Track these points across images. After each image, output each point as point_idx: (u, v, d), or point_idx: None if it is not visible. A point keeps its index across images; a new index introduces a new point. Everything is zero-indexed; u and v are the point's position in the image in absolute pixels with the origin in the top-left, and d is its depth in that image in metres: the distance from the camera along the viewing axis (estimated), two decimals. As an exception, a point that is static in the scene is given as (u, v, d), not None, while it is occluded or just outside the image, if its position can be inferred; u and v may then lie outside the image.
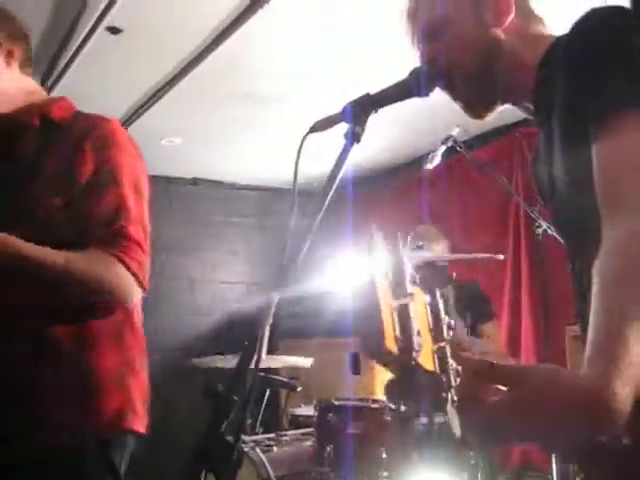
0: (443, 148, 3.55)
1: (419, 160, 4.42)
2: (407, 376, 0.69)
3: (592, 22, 1.04)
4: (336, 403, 2.87)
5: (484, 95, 1.27)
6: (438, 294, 0.79)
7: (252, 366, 1.00)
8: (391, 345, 0.67)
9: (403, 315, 0.70)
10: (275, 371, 4.03)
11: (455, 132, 3.50)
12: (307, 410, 3.51)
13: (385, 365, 0.70)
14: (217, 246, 6.25)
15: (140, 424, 1.64)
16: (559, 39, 1.15)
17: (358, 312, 0.68)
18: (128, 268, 1.54)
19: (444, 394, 0.74)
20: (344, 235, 5.92)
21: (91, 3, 3.13)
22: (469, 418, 0.79)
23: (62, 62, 3.70)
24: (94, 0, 3.10)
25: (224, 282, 6.26)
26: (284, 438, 3.29)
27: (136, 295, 1.60)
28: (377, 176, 5.91)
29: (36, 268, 1.49)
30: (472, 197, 5.08)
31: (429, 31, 1.30)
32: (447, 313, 0.78)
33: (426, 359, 0.72)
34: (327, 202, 1.13)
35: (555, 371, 0.79)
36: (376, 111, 1.21)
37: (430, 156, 3.63)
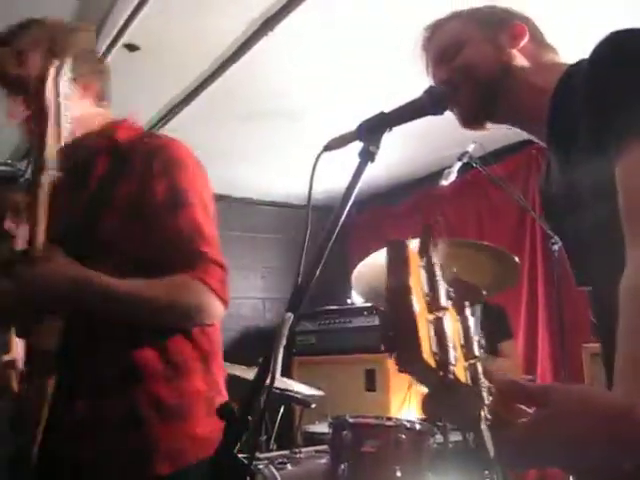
0: (459, 164, 3.54)
1: (435, 175, 4.40)
2: (445, 391, 0.67)
3: (613, 45, 1.04)
4: (351, 420, 2.84)
5: (486, 106, 1.28)
6: (468, 310, 0.77)
7: (266, 387, 0.99)
8: (429, 359, 0.65)
9: (439, 329, 0.69)
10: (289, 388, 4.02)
11: (471, 148, 3.49)
12: (321, 427, 3.49)
13: (420, 380, 0.68)
14: (232, 261, 6.23)
15: None
16: (578, 63, 1.15)
17: (392, 324, 0.67)
18: (211, 288, 1.57)
19: (477, 412, 0.72)
20: (359, 250, 5.92)
21: (109, 20, 3.16)
22: (502, 439, 0.77)
23: (80, 79, 3.73)
24: (112, 17, 3.13)
25: (239, 297, 6.26)
26: (298, 455, 3.26)
27: (220, 313, 1.63)
28: (393, 191, 5.91)
29: (124, 304, 1.51)
30: (488, 213, 5.06)
31: (443, 53, 1.33)
32: (476, 330, 0.77)
33: (460, 375, 0.70)
34: (341, 221, 1.13)
35: (584, 390, 0.77)
36: (390, 130, 1.21)
37: (446, 172, 3.63)
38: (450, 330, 0.70)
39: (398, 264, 0.68)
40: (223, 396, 1.68)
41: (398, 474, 2.70)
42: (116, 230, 1.59)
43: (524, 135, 1.33)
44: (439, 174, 3.75)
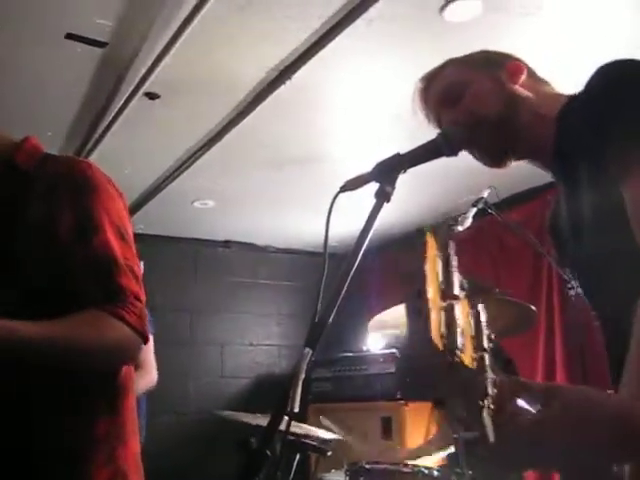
0: (474, 210, 3.55)
1: (450, 221, 4.42)
2: (451, 373, 0.71)
3: (608, 73, 1.10)
4: (367, 467, 2.82)
5: (505, 142, 1.31)
6: (480, 306, 0.80)
7: (284, 423, 0.99)
8: (437, 342, 0.69)
9: (449, 315, 0.72)
10: (305, 435, 3.98)
11: (486, 194, 3.51)
12: (337, 476, 3.45)
13: (430, 363, 0.72)
14: (248, 308, 6.26)
15: None
16: (578, 93, 1.20)
17: (409, 309, 0.72)
18: (128, 324, 1.41)
19: (480, 402, 0.74)
20: (375, 297, 5.91)
21: (131, 70, 3.25)
22: (503, 433, 0.77)
23: (101, 127, 3.81)
24: (134, 67, 3.22)
25: (255, 344, 6.25)
26: (314, 504, 3.23)
27: (139, 349, 1.48)
28: (408, 236, 5.92)
29: (36, 352, 1.34)
30: (504, 259, 5.06)
31: (446, 97, 1.36)
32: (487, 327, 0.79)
33: (465, 361, 0.73)
34: (357, 263, 1.12)
35: (585, 390, 0.79)
36: (405, 171, 1.23)
37: (461, 218, 3.64)
38: (461, 319, 0.73)
39: (416, 249, 0.73)
40: (127, 442, 1.52)
41: (415, 522, 2.66)
42: (19, 262, 1.45)
43: (539, 182, 1.37)
44: (454, 220, 3.76)
